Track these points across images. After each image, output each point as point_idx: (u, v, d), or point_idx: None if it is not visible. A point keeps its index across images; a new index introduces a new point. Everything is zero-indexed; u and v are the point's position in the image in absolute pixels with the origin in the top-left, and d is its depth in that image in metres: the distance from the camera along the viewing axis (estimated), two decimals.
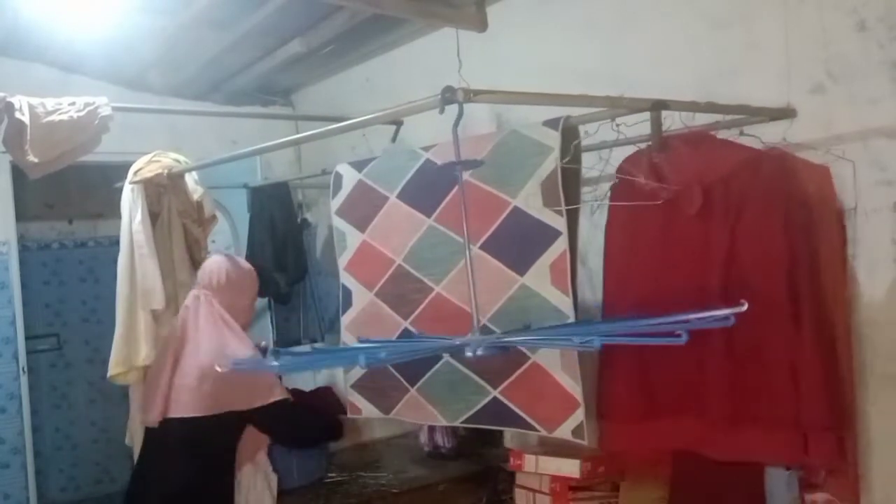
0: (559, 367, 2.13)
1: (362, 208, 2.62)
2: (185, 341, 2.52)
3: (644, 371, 2.13)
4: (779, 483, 2.07)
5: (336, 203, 2.73)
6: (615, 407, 2.20)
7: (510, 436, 3.01)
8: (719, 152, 2.12)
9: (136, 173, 2.87)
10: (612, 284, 2.25)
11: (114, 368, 2.77)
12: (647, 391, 2.14)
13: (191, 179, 2.94)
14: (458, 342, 1.71)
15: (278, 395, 2.49)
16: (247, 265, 2.74)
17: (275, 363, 2.03)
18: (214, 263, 2.66)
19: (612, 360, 2.18)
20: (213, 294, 2.58)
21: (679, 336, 1.39)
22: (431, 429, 3.10)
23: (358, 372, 2.61)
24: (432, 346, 1.98)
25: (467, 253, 1.74)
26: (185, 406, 2.43)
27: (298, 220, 4.22)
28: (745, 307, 1.58)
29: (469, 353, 1.66)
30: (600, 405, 2.23)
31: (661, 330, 1.54)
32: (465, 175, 2.24)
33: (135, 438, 2.75)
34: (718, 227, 2.04)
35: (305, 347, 4.11)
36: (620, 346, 2.01)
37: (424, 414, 2.49)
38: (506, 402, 2.26)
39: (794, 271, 1.97)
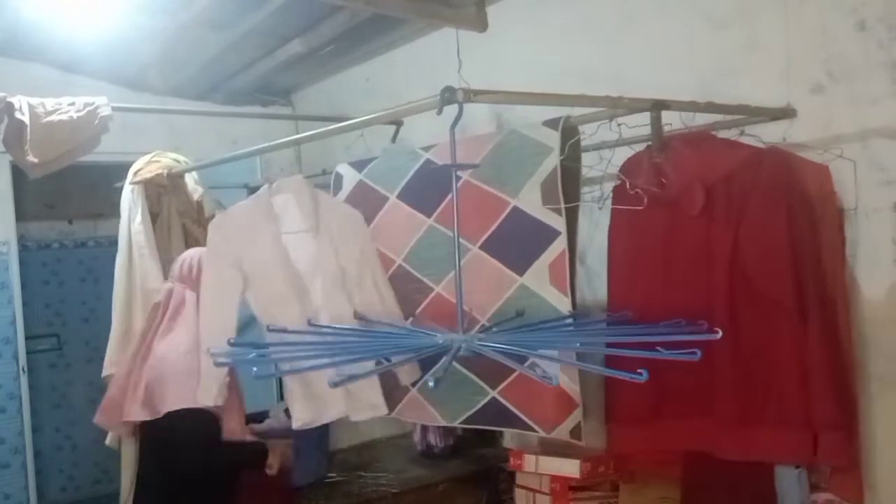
0: (558, 367, 2.12)
1: (362, 208, 2.62)
2: (164, 333, 2.38)
3: (652, 373, 2.10)
4: (789, 481, 2.05)
5: None
6: (623, 409, 2.19)
7: (510, 436, 3.01)
8: (720, 152, 2.11)
9: (135, 174, 2.87)
10: (617, 288, 2.23)
11: (109, 368, 2.78)
12: (655, 392, 2.12)
13: (191, 179, 2.94)
14: (440, 339, 1.70)
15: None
16: None
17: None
18: (189, 255, 2.52)
19: (619, 362, 2.15)
20: (191, 285, 2.43)
21: (640, 374, 1.39)
22: (424, 428, 3.09)
23: None
24: (418, 344, 1.91)
25: (457, 252, 1.73)
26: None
27: None
28: (720, 335, 1.58)
29: (431, 383, 1.54)
30: (608, 408, 2.22)
31: (630, 354, 1.55)
32: (466, 175, 2.24)
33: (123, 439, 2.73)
34: (721, 226, 2.03)
35: None
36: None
37: (425, 414, 2.49)
38: (504, 402, 2.26)
39: (799, 269, 1.97)
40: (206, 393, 2.26)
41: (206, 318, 2.34)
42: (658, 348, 1.50)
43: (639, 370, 1.39)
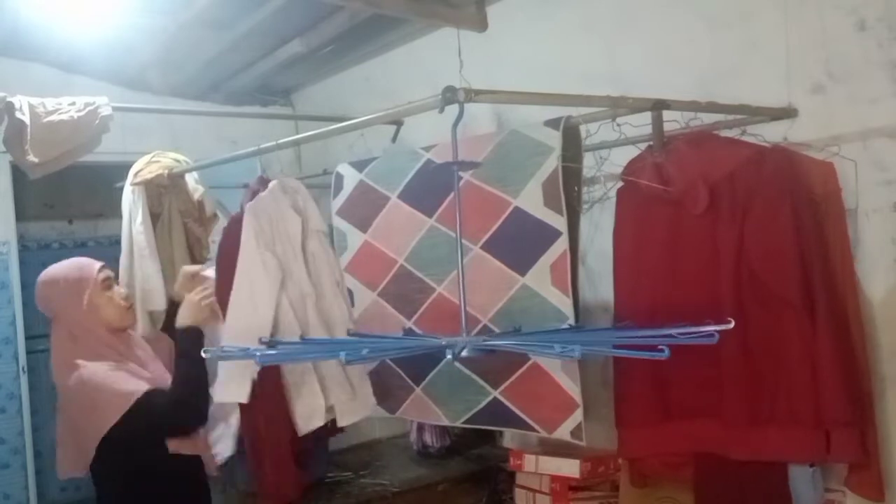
0: (559, 368, 2.13)
1: (363, 208, 2.63)
2: None
3: (660, 375, 2.09)
4: (804, 480, 2.03)
5: (337, 203, 2.73)
6: (632, 413, 2.17)
7: (510, 436, 3.02)
8: (722, 150, 2.11)
9: (136, 174, 2.87)
10: (623, 288, 2.22)
11: None
12: (664, 395, 2.11)
13: (191, 179, 2.94)
14: (444, 342, 1.70)
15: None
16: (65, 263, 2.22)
17: (258, 354, 1.82)
18: None
19: (627, 365, 2.14)
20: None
21: (661, 351, 1.36)
22: (420, 428, 3.08)
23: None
24: (418, 344, 1.92)
25: (459, 253, 1.74)
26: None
27: None
28: (732, 325, 1.56)
29: (449, 355, 1.58)
30: (617, 412, 2.20)
31: (645, 343, 1.53)
32: (467, 175, 2.25)
33: None
34: (726, 225, 2.02)
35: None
36: None
37: (428, 413, 2.50)
38: (506, 402, 2.27)
39: (806, 266, 1.95)
40: (237, 390, 2.19)
41: (244, 304, 2.21)
42: (674, 333, 1.48)
43: (660, 347, 1.36)
